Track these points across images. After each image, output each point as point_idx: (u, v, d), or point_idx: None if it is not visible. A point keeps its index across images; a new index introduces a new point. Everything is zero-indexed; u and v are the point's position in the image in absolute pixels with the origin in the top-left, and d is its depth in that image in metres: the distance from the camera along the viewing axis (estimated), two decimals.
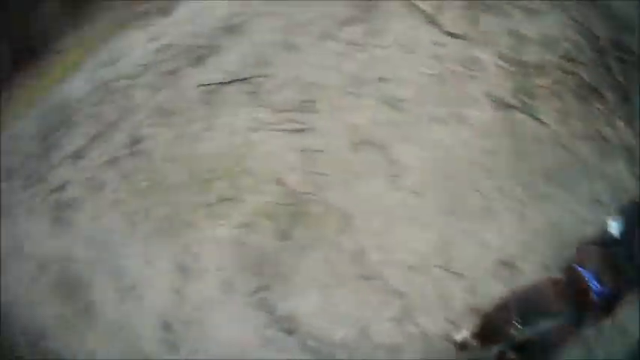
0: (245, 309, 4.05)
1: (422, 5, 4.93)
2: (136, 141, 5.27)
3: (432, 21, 4.86)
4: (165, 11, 6.22)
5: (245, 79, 4.96)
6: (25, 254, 5.25)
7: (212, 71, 5.25)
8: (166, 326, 4.22)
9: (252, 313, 4.05)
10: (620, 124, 4.23)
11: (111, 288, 4.53)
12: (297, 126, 4.56)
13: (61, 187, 5.53)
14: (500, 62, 4.65)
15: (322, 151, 4.37)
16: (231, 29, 5.51)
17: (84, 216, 5.13)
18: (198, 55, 5.47)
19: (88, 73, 6.32)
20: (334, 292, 3.96)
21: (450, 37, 4.77)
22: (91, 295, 4.63)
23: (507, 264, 3.86)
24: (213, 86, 5.10)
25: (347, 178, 4.25)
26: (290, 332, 3.95)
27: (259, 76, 4.88)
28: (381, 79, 4.58)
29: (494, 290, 3.62)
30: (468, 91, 4.48)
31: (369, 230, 4.11)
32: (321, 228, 4.14)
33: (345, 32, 4.92)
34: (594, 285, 2.73)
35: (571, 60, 4.55)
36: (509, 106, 4.41)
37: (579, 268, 2.79)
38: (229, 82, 5.01)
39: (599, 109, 4.41)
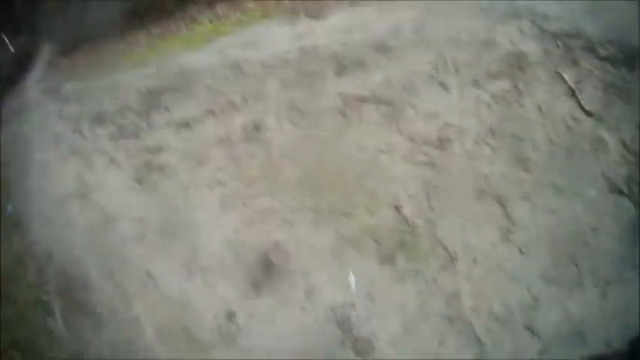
0: (324, 320, 4.23)
1: (565, 76, 5.01)
2: (256, 127, 5.44)
3: (571, 94, 4.94)
4: (317, 15, 6.29)
5: (387, 101, 5.06)
6: (92, 202, 5.66)
7: (355, 84, 5.34)
8: (230, 316, 4.47)
9: (329, 327, 4.22)
10: None
11: (178, 263, 4.77)
12: (428, 160, 4.67)
13: (156, 150, 5.79)
14: (621, 149, 4.71)
15: (445, 189, 4.51)
16: (383, 49, 5.57)
17: (174, 185, 5.38)
18: (343, 65, 5.56)
19: (220, 49, 6.44)
20: (417, 326, 4.16)
21: (584, 114, 4.86)
22: (153, 265, 4.88)
23: (580, 335, 4.09)
24: (353, 99, 5.21)
25: (462, 222, 4.41)
26: (361, 354, 4.16)
27: (402, 103, 4.98)
28: (514, 136, 4.68)
29: (563, 356, 3.95)
30: (588, 168, 4.58)
31: (469, 275, 4.29)
32: (424, 262, 4.32)
33: (492, 84, 4.99)
34: None
35: None
36: (620, 192, 4.49)
37: None
38: (370, 100, 5.12)
39: None
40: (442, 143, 4.64)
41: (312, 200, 4.48)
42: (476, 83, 5.01)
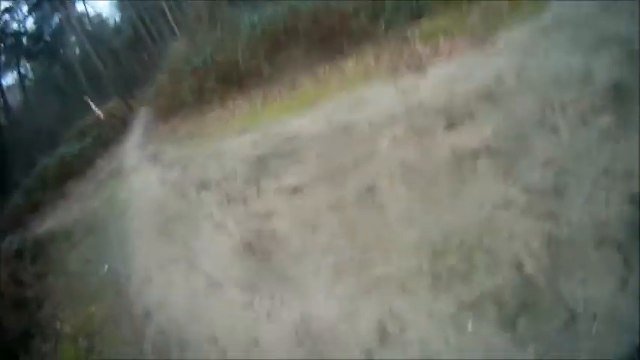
0: None
1: None
2: (369, 190, 5.45)
3: None
4: (418, 69, 6.42)
5: (500, 152, 4.99)
6: (197, 267, 5.84)
7: (465, 137, 5.35)
8: None
9: None
10: None
11: (288, 331, 4.69)
12: (546, 211, 4.46)
13: (266, 216, 5.84)
14: None
15: (568, 242, 4.26)
16: (489, 98, 5.61)
17: (286, 253, 5.39)
18: (452, 118, 5.62)
19: (324, 112, 6.55)
20: None
21: None
22: (260, 332, 4.87)
23: None
24: (465, 153, 5.18)
25: (586, 276, 4.09)
26: None
27: (516, 152, 4.89)
28: (627, 174, 4.42)
29: None
30: None
31: (588, 333, 3.92)
32: (546, 322, 4.00)
33: (598, 120, 4.87)
34: None
35: None
36: None
37: None
38: (482, 152, 5.08)
39: None
40: (559, 191, 4.45)
41: (429, 264, 4.31)
42: (584, 121, 4.92)
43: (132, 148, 10.32)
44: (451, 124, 5.50)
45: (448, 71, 6.20)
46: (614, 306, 3.87)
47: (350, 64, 7.71)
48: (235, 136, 7.71)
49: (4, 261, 8.29)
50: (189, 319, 5.22)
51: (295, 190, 5.90)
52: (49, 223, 9.48)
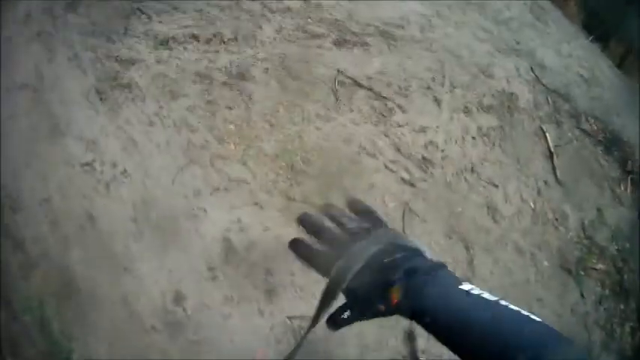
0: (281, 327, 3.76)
1: (548, 135, 5.04)
2: (240, 74, 4.93)
3: (549, 156, 4.97)
4: None
5: (380, 95, 4.79)
6: (42, 102, 4.80)
7: (352, 64, 5.02)
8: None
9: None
10: None
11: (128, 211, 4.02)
12: (409, 178, 4.39)
13: (126, 62, 5.02)
14: (579, 229, 4.74)
15: (421, 216, 4.26)
16: (387, 36, 5.39)
17: (137, 113, 4.73)
18: (344, 38, 5.28)
19: None
20: None
21: (555, 180, 4.87)
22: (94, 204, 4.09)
23: None
24: (348, 80, 4.90)
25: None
26: None
27: (394, 103, 4.78)
28: (490, 181, 4.57)
29: None
30: (548, 238, 4.57)
31: None
32: None
33: (481, 117, 4.92)
34: None
35: None
36: (569, 272, 4.52)
37: None
38: (364, 87, 4.84)
39: None
40: (425, 164, 4.32)
41: (286, 185, 3.97)
42: (467, 111, 4.82)
43: None
44: (342, 43, 5.09)
45: None
46: None
47: None
48: None
49: None
50: (24, 167, 4.19)
51: (164, 41, 5.06)
52: None
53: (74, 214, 3.90)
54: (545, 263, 4.44)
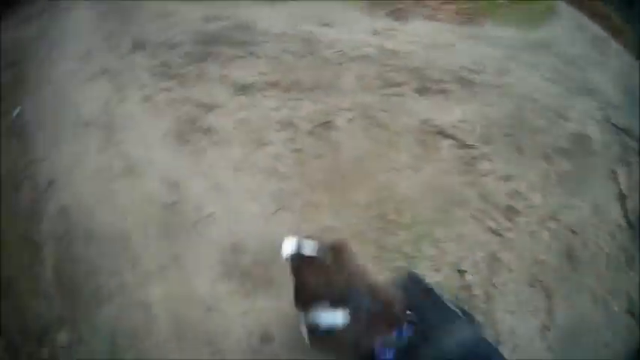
0: None
1: (619, 178, 4.99)
2: (326, 123, 5.00)
3: (621, 199, 4.89)
4: (398, 16, 6.06)
5: (462, 143, 4.93)
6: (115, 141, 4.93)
7: (435, 112, 5.17)
8: None
9: None
10: None
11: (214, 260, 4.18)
12: (496, 227, 4.43)
13: (204, 107, 5.12)
14: None
15: (507, 266, 4.29)
16: (464, 82, 5.47)
17: (222, 158, 4.85)
18: (425, 85, 5.41)
19: (290, 12, 6.04)
20: None
21: (627, 224, 4.81)
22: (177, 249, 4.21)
23: None
24: (432, 129, 5.01)
25: (514, 306, 4.17)
26: None
27: (475, 152, 4.88)
28: (570, 228, 4.54)
29: None
30: (619, 282, 4.53)
31: None
32: None
33: (559, 162, 4.93)
34: None
35: None
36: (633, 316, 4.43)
37: None
38: (447, 136, 4.94)
39: None
40: (510, 213, 4.34)
41: (378, 234, 3.99)
42: (546, 156, 4.83)
43: None
44: (423, 91, 5.15)
45: (430, 33, 5.82)
46: (531, 350, 3.94)
47: None
48: (186, 1, 6.45)
49: None
50: (97, 203, 4.30)
51: (243, 89, 5.15)
52: None
53: (156, 252, 3.99)
54: (616, 308, 4.42)
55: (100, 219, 4.20)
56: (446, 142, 4.72)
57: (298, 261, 2.81)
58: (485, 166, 4.66)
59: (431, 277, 3.82)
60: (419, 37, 5.76)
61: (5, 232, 4.23)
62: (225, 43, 5.74)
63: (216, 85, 5.26)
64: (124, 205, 4.31)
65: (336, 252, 2.83)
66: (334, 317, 2.59)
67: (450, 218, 4.30)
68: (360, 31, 5.84)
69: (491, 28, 5.97)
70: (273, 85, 5.18)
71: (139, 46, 5.90)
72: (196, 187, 4.34)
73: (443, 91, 5.20)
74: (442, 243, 4.15)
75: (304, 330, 3.02)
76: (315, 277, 2.72)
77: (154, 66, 5.56)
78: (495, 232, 4.35)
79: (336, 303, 2.59)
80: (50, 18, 6.84)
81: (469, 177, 4.54)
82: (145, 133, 4.83)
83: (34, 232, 4.19)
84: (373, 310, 2.65)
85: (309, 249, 2.84)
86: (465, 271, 4.03)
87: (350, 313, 2.63)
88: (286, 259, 2.83)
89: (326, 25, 5.92)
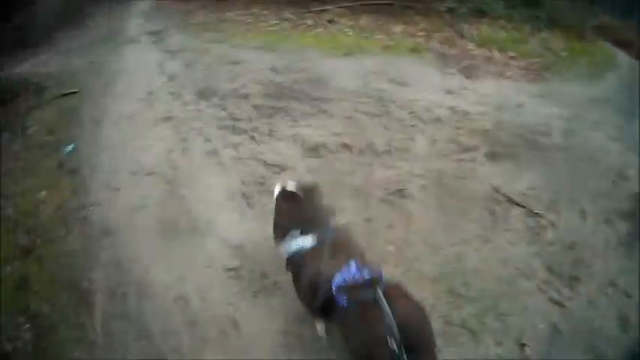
0: None
1: None
2: (399, 190, 5.01)
3: None
4: (468, 73, 6.15)
5: (531, 212, 4.91)
6: (176, 194, 5.07)
7: (506, 179, 5.17)
8: None
9: None
10: None
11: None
12: (558, 298, 4.36)
13: (273, 166, 5.08)
14: None
15: (567, 339, 4.21)
16: (533, 146, 5.55)
17: None
18: (495, 150, 5.46)
19: (363, 69, 5.92)
20: None
21: None
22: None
23: None
24: (503, 197, 4.99)
25: None
26: None
27: (546, 220, 4.82)
28: (627, 294, 4.47)
29: None
30: None
31: None
32: None
33: (620, 225, 4.89)
34: None
35: None
36: None
37: None
38: (518, 205, 4.93)
39: None
40: (573, 282, 4.35)
41: (446, 309, 3.99)
42: (608, 220, 4.84)
43: (136, 15, 8.33)
44: (494, 156, 5.18)
45: (498, 91, 5.87)
46: None
47: (398, 28, 6.62)
48: (254, 49, 6.60)
49: None
50: (154, 259, 4.20)
51: (314, 148, 5.08)
52: (24, 67, 7.35)
53: (215, 318, 3.91)
54: None
55: (155, 276, 4.09)
56: (515, 211, 4.73)
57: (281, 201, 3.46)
58: (551, 235, 4.68)
59: (492, 350, 3.88)
60: (489, 96, 5.79)
61: (53, 274, 4.12)
62: (295, 98, 5.74)
63: (285, 143, 5.22)
64: (183, 265, 4.20)
65: (309, 191, 3.47)
66: (303, 241, 3.14)
67: (515, 290, 4.30)
68: (432, 89, 5.85)
69: (557, 85, 5.95)
70: (346, 147, 5.18)
71: (204, 93, 5.88)
72: (262, 253, 4.20)
73: (512, 156, 5.27)
74: (506, 316, 4.12)
75: (281, 252, 3.45)
76: (290, 210, 3.34)
77: (220, 118, 5.54)
78: (558, 303, 4.37)
79: (306, 230, 3.15)
80: (107, 51, 6.87)
81: (536, 247, 4.56)
82: (209, 190, 4.74)
83: (84, 280, 4.08)
84: (335, 240, 3.11)
85: (292, 187, 3.50)
86: (525, 344, 4.02)
87: (316, 239, 3.12)
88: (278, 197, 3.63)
89: (399, 83, 5.94)
